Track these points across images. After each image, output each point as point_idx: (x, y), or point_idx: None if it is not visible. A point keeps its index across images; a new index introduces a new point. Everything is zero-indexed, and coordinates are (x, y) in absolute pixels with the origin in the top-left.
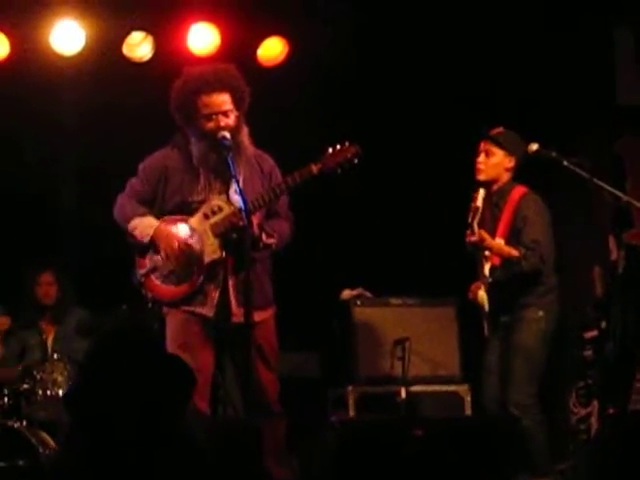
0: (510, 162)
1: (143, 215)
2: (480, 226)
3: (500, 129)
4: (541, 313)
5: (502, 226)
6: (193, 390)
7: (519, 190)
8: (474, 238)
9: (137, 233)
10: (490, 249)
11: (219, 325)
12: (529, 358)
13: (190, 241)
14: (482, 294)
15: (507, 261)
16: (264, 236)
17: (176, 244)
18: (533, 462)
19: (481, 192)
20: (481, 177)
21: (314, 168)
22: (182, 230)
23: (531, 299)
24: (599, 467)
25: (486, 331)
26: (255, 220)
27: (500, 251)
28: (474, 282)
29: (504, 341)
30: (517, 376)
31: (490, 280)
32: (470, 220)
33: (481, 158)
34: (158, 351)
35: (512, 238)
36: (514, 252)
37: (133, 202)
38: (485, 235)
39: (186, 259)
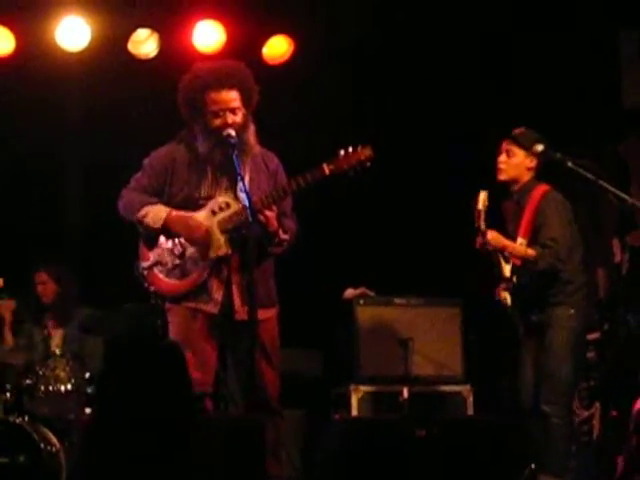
0: (531, 162)
1: (153, 204)
2: (505, 226)
3: (522, 129)
4: (572, 311)
5: (524, 225)
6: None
7: (541, 189)
8: (481, 240)
9: (149, 220)
10: (504, 249)
11: (223, 322)
12: (562, 357)
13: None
14: (504, 295)
15: (525, 260)
16: (280, 231)
17: (192, 221)
18: (554, 461)
19: (482, 195)
20: (502, 177)
21: (326, 169)
22: None
23: (561, 297)
24: (601, 469)
25: (520, 332)
26: (271, 214)
27: (515, 251)
28: (488, 281)
29: (538, 340)
30: (551, 375)
31: (514, 281)
32: (477, 225)
33: (502, 158)
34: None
35: (533, 237)
36: (530, 251)
37: (140, 194)
38: (497, 236)
39: (204, 236)
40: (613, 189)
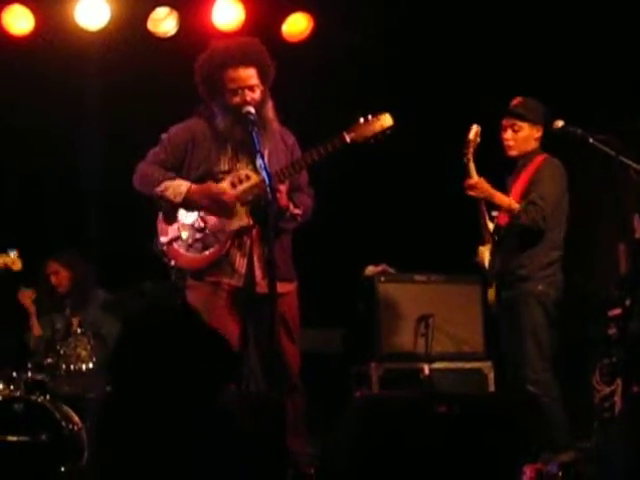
0: (538, 132)
1: (172, 179)
2: (507, 192)
3: (518, 100)
4: (540, 287)
5: (518, 186)
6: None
7: (542, 156)
8: (469, 181)
9: (169, 194)
10: (490, 198)
11: (244, 296)
12: (536, 335)
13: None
14: (481, 249)
15: (510, 214)
16: (291, 206)
17: (215, 190)
18: (553, 438)
19: (474, 127)
20: (513, 153)
21: (347, 137)
22: None
23: (530, 271)
24: (623, 445)
25: (489, 298)
26: (283, 188)
27: (500, 201)
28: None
29: (509, 318)
30: (528, 355)
31: (496, 238)
32: (465, 156)
33: (508, 134)
34: (199, 330)
35: (523, 199)
36: (515, 205)
37: (158, 168)
38: (484, 182)
39: (232, 201)
40: (634, 164)
